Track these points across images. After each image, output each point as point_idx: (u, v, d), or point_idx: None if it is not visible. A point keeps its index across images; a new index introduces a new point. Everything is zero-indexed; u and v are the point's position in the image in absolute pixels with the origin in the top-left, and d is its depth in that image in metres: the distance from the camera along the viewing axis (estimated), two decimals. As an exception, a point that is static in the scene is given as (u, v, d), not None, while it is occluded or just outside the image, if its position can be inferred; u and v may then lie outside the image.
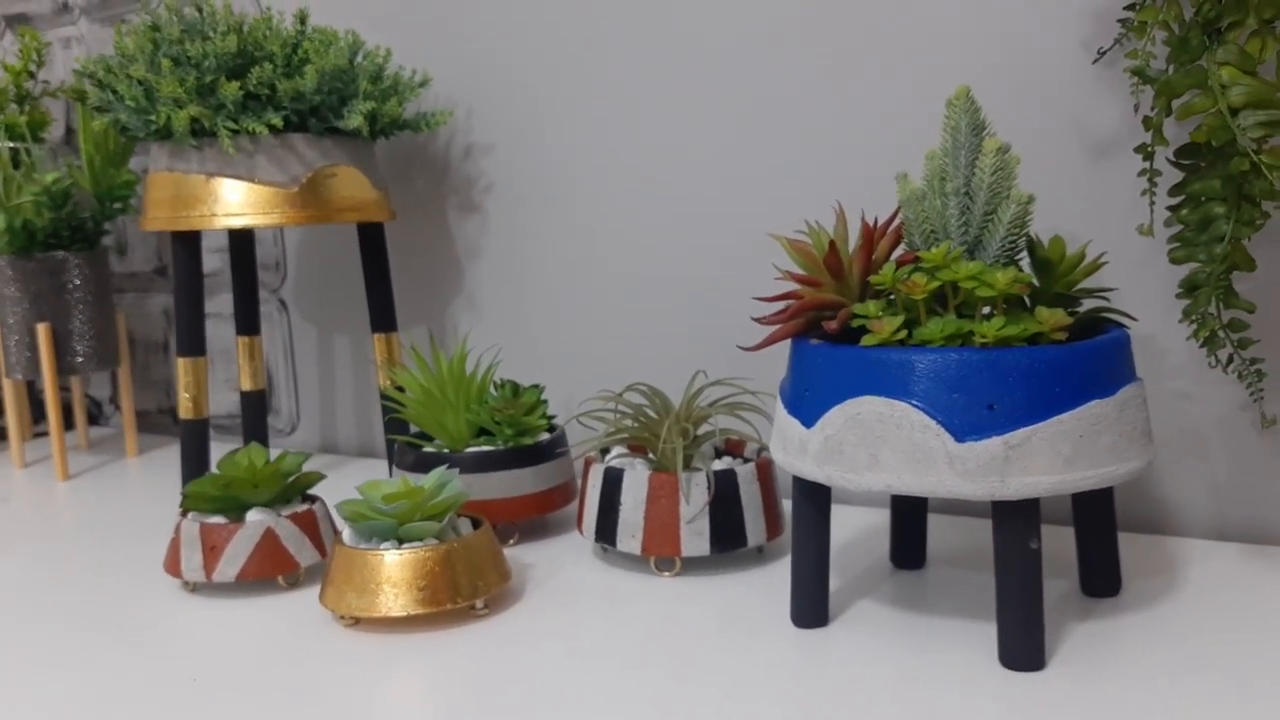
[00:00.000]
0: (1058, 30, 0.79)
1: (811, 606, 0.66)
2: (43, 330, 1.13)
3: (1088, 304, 0.68)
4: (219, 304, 1.29)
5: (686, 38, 0.95)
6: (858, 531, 0.83)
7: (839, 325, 0.63)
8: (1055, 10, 0.79)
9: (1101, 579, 0.69)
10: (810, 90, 0.90)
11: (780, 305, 0.66)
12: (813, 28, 0.89)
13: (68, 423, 1.40)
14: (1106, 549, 0.68)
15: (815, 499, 0.65)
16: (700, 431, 0.80)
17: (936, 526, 0.83)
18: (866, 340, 0.60)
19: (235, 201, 0.91)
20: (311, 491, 0.84)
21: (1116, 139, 0.77)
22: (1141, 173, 0.64)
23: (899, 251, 0.65)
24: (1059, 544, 0.78)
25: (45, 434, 1.38)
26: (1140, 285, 0.79)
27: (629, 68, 0.98)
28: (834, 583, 0.73)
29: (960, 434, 0.57)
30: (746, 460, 0.79)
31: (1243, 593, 0.68)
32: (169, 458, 1.24)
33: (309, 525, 0.78)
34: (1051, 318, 0.58)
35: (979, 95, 0.82)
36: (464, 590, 0.69)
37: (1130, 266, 0.79)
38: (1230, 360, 0.63)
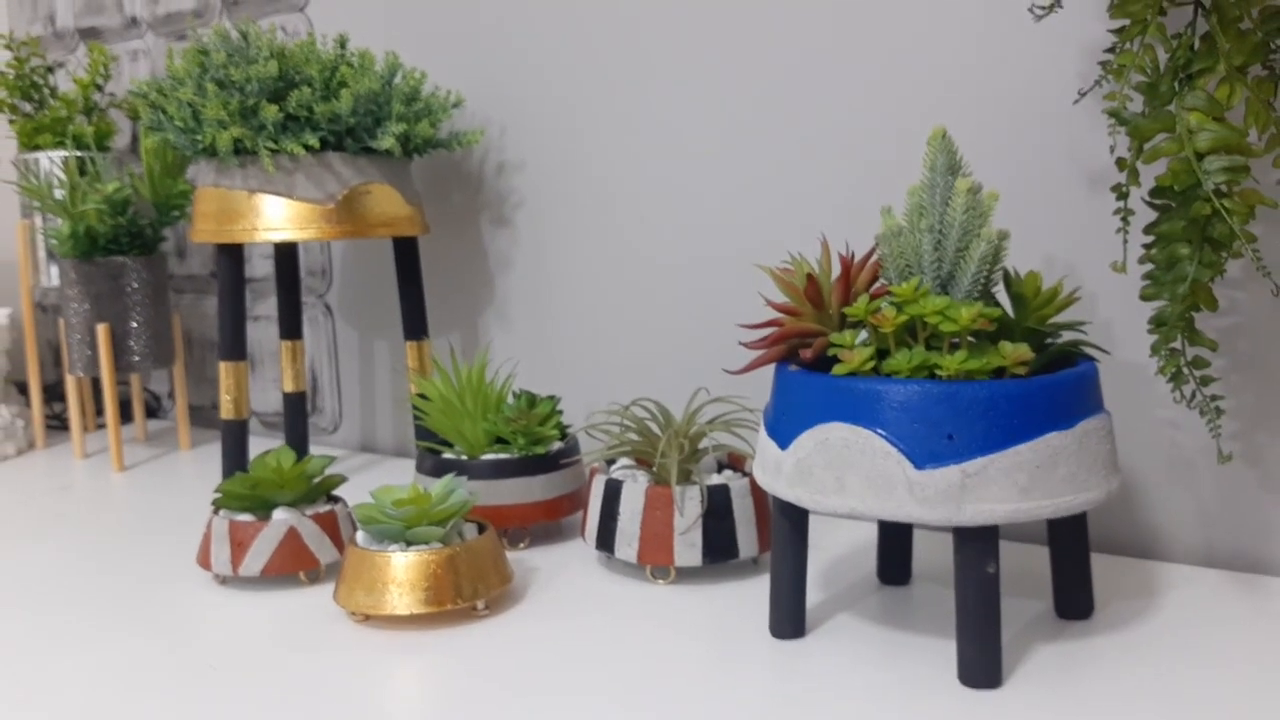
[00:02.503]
0: (1057, 63, 0.81)
1: (789, 619, 0.69)
2: (102, 331, 1.20)
3: (1068, 335, 0.70)
4: (269, 307, 1.35)
5: (708, 68, 0.99)
6: (848, 546, 0.86)
7: (814, 354, 0.66)
8: (1054, 44, 0.81)
9: (1074, 601, 0.71)
10: (821, 124, 0.93)
11: (766, 332, 0.69)
12: (825, 66, 0.92)
13: (128, 415, 1.47)
14: (1079, 572, 0.70)
15: (792, 516, 0.68)
16: (701, 446, 0.84)
17: (928, 544, 0.86)
18: (837, 369, 0.63)
19: (276, 216, 0.97)
20: (335, 493, 0.89)
21: (1110, 172, 0.79)
22: (1116, 211, 0.66)
23: (878, 285, 0.68)
24: (1039, 564, 0.80)
25: (106, 425, 1.46)
26: (1132, 314, 0.80)
27: (652, 94, 1.02)
28: (818, 596, 0.76)
29: (920, 461, 0.60)
30: (745, 475, 0.83)
31: (1217, 620, 0.70)
32: (219, 451, 1.30)
33: (330, 525, 0.83)
34: (1014, 352, 0.61)
35: (979, 125, 0.85)
36: (465, 592, 0.73)
37: (1123, 295, 0.80)
38: (1194, 396, 0.65)
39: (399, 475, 1.16)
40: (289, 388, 1.18)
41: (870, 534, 0.89)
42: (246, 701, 0.62)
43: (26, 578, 0.85)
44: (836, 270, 0.68)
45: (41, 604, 0.79)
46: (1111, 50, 0.67)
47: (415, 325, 1.09)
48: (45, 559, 0.90)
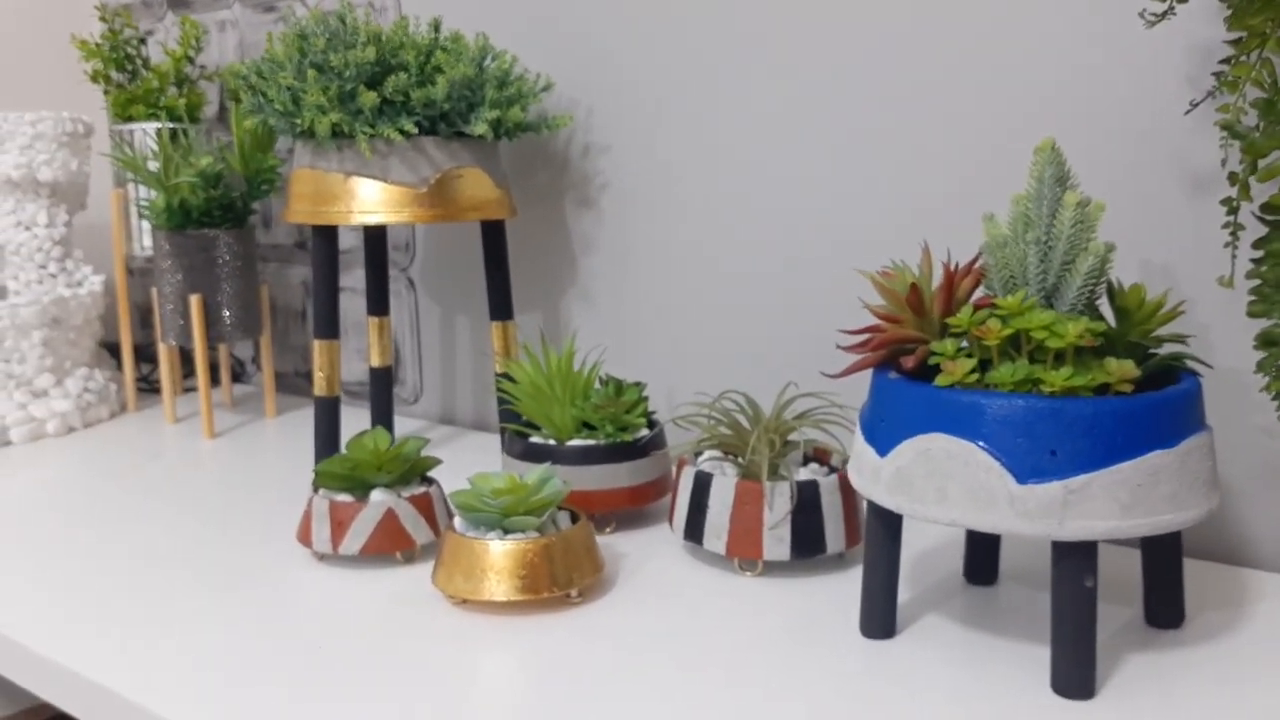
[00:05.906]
0: (1166, 65, 0.80)
1: (879, 619, 0.71)
2: (195, 301, 1.24)
3: (1169, 347, 0.70)
4: (355, 279, 1.38)
5: (803, 60, 0.98)
6: (935, 543, 0.87)
7: (915, 363, 0.66)
8: (1166, 49, 0.80)
9: (1164, 611, 0.71)
10: (919, 123, 0.93)
11: (864, 336, 0.70)
12: (927, 67, 0.92)
13: (214, 379, 1.51)
14: (1171, 582, 0.71)
15: (886, 520, 0.69)
16: (790, 438, 0.85)
17: (1011, 543, 0.86)
18: (940, 380, 0.64)
19: (370, 200, 0.99)
20: (429, 474, 0.91)
21: (1213, 178, 0.78)
22: (1225, 225, 0.66)
23: (980, 293, 0.68)
24: (1130, 568, 0.80)
25: (195, 389, 1.50)
26: (1230, 321, 0.80)
27: (745, 80, 1.02)
28: (905, 594, 0.77)
29: (1022, 476, 0.60)
30: (832, 470, 0.84)
31: (1307, 633, 0.70)
32: (303, 419, 1.34)
33: (425, 507, 0.86)
34: (1119, 369, 0.61)
35: (1083, 127, 0.84)
36: (560, 580, 0.75)
37: (1222, 302, 0.80)
38: (1300, 416, 0.65)
39: (479, 449, 1.19)
40: (376, 362, 1.20)
41: (954, 530, 0.90)
42: (349, 676, 0.65)
43: (134, 548, 0.89)
44: (938, 278, 0.69)
45: (151, 576, 0.83)
46: (1227, 61, 0.66)
47: (501, 307, 1.11)
48: (149, 529, 0.94)
